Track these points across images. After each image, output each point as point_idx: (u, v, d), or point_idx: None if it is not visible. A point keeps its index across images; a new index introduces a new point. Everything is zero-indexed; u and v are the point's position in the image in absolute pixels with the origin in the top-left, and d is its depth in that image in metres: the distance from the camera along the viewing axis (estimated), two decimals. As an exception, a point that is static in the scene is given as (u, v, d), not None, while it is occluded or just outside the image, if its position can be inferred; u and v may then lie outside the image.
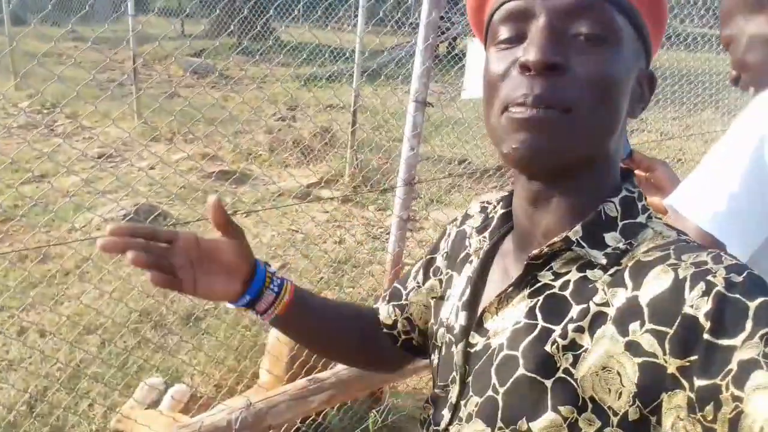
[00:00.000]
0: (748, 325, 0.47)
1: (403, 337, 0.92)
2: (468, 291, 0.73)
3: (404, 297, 0.91)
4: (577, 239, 0.61)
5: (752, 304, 0.48)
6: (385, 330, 0.94)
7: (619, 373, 0.54)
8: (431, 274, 0.88)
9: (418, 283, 0.89)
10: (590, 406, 0.56)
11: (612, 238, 0.61)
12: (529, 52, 0.57)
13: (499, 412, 0.62)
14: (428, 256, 0.89)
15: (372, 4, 4.80)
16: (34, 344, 2.62)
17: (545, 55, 0.56)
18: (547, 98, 0.56)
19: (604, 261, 0.59)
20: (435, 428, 0.73)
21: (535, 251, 0.63)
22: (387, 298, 0.94)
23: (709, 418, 0.46)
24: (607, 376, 0.55)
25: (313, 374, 1.80)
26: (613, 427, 0.55)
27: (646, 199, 0.66)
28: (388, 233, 4.23)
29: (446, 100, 6.57)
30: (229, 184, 4.74)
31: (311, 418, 2.22)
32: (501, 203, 0.78)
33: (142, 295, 3.01)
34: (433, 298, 0.85)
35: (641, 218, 0.63)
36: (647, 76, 0.65)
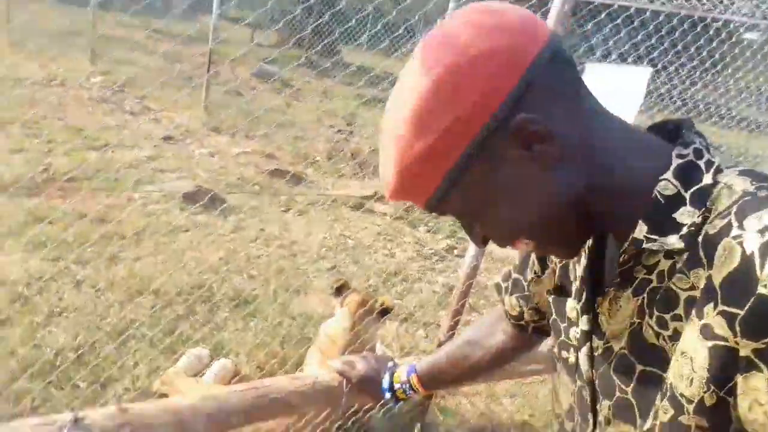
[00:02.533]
0: None
1: (533, 325, 0.94)
2: (584, 294, 0.70)
3: (526, 288, 0.89)
4: (644, 236, 0.58)
5: None
6: (512, 321, 0.96)
7: (691, 359, 0.52)
8: (548, 262, 0.84)
9: (536, 273, 0.86)
10: (669, 393, 0.55)
11: (685, 214, 0.56)
12: None
13: (636, 410, 0.61)
14: None
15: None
16: (86, 297, 2.62)
17: (476, 243, 0.67)
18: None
19: (681, 245, 0.55)
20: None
21: (616, 262, 0.62)
22: (510, 289, 0.93)
23: None
24: (683, 361, 0.53)
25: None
26: (689, 414, 0.53)
27: (709, 150, 0.60)
28: (438, 255, 4.19)
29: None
30: (284, 183, 4.78)
31: (355, 416, 2.14)
32: None
33: (194, 269, 3.00)
34: (550, 294, 0.82)
35: (707, 178, 0.56)
36: (524, 135, 0.57)
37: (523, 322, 0.94)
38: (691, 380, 0.52)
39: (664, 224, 0.57)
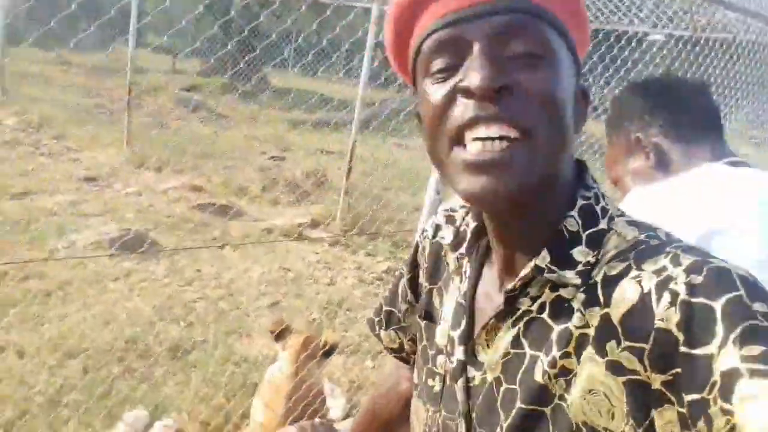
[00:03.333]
0: (719, 329, 0.47)
1: (413, 357, 0.90)
2: (464, 323, 0.69)
3: (402, 319, 0.89)
4: (546, 265, 0.59)
5: (717, 305, 0.48)
6: (394, 355, 0.95)
7: (605, 395, 0.54)
8: (421, 292, 0.83)
9: (410, 302, 0.85)
10: (584, 430, 0.55)
11: (580, 253, 0.59)
12: (471, 77, 0.54)
13: None
14: (409, 274, 0.85)
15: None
16: (12, 366, 2.46)
17: (490, 79, 0.53)
18: (500, 118, 0.54)
19: (578, 281, 0.57)
20: None
21: (509, 286, 0.61)
22: (384, 324, 0.92)
23: None
24: (594, 399, 0.54)
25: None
26: None
27: (603, 197, 0.63)
28: (379, 279, 4.18)
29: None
30: (218, 217, 4.67)
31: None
32: (469, 215, 0.74)
33: (128, 323, 2.87)
34: (422, 318, 0.80)
35: (603, 223, 0.60)
36: (582, 91, 0.63)
37: (404, 354, 0.93)
38: (612, 414, 0.53)
39: (562, 259, 0.59)
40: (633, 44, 4.33)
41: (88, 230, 3.96)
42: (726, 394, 0.45)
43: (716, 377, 0.46)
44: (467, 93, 0.55)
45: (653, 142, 1.13)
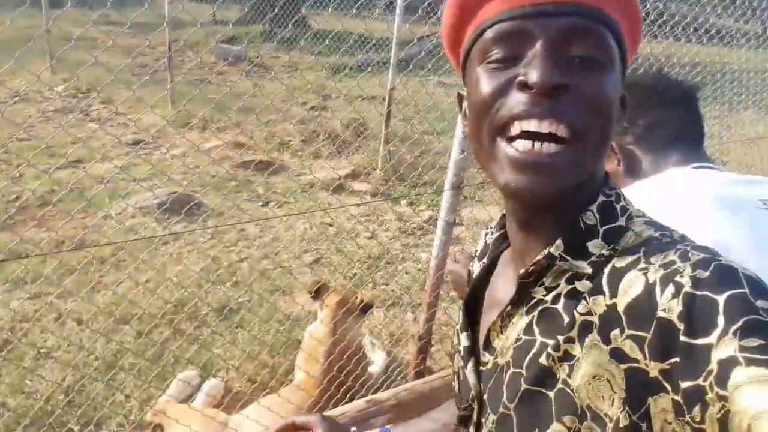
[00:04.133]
0: (720, 321, 0.47)
1: None
2: (461, 314, 0.77)
3: None
4: (559, 254, 0.61)
5: (721, 299, 0.48)
6: None
7: (608, 381, 0.55)
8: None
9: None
10: (589, 414, 0.57)
11: (595, 246, 0.61)
12: (531, 72, 0.56)
13: (515, 427, 0.64)
14: None
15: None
16: (71, 333, 2.64)
17: (550, 77, 0.55)
18: (553, 114, 0.56)
19: (589, 270, 0.60)
20: None
21: (522, 271, 0.64)
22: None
23: (697, 420, 0.47)
24: (598, 385, 0.56)
25: (371, 395, 1.76)
26: None
27: (624, 198, 0.66)
28: (420, 229, 4.20)
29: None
30: (261, 174, 4.75)
31: None
32: (495, 226, 0.82)
33: (177, 287, 3.01)
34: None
35: (621, 221, 0.62)
36: (623, 97, 0.65)
37: None
38: (613, 400, 0.54)
39: (577, 249, 0.61)
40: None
41: (137, 195, 4.12)
42: (722, 380, 0.45)
43: (713, 365, 0.46)
44: (524, 87, 0.57)
45: (626, 149, 1.13)
